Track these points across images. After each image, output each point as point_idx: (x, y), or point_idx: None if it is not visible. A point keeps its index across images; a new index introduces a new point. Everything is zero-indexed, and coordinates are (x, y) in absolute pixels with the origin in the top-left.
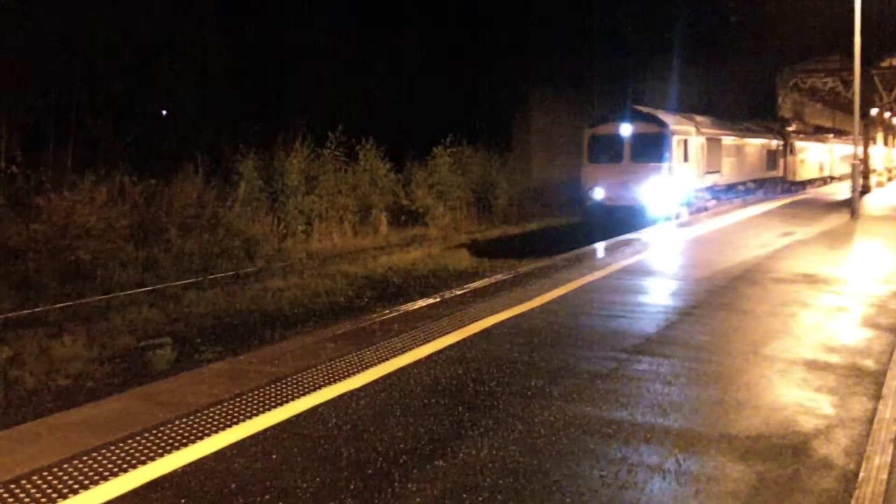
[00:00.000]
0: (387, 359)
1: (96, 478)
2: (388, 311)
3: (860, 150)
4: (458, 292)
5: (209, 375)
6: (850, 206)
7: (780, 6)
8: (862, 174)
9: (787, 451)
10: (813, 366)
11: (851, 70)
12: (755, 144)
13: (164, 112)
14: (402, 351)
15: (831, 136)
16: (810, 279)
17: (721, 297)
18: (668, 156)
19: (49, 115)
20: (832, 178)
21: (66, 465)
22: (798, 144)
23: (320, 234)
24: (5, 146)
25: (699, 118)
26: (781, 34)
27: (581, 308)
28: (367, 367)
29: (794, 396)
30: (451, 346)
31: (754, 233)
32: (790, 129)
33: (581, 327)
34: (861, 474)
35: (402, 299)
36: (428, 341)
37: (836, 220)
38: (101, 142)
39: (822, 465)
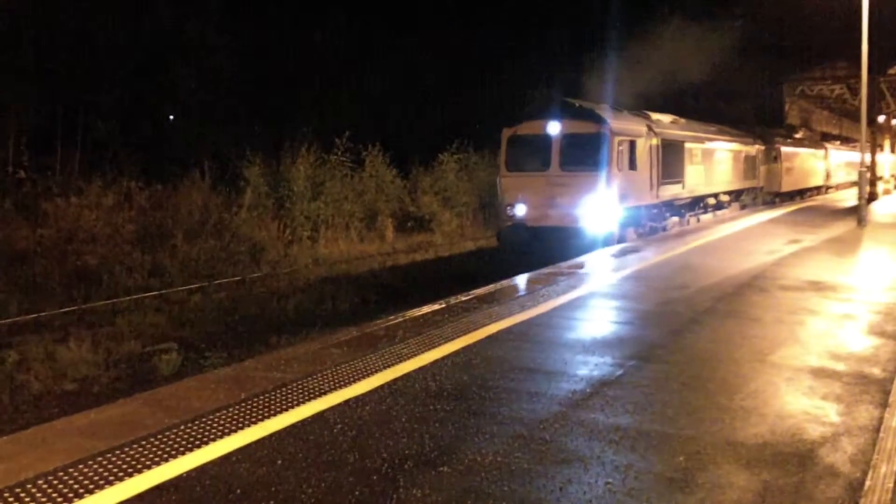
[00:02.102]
0: (392, 364)
1: (102, 482)
2: (393, 317)
3: (867, 157)
4: (464, 298)
5: (215, 381)
6: (856, 214)
7: (786, 13)
8: (869, 181)
9: (793, 460)
10: (820, 374)
11: (858, 77)
12: (730, 150)
13: (171, 117)
14: (408, 357)
15: (828, 142)
16: (817, 286)
17: (728, 307)
18: (607, 162)
19: (56, 119)
20: (828, 188)
21: (71, 470)
22: (785, 151)
23: (326, 240)
24: (13, 151)
25: (657, 116)
26: (788, 41)
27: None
28: (372, 373)
29: (801, 404)
30: (455, 353)
31: (750, 245)
32: (777, 133)
33: (581, 333)
34: (867, 483)
35: (408, 305)
36: (433, 347)
37: (843, 227)
38: (108, 146)
39: (828, 473)
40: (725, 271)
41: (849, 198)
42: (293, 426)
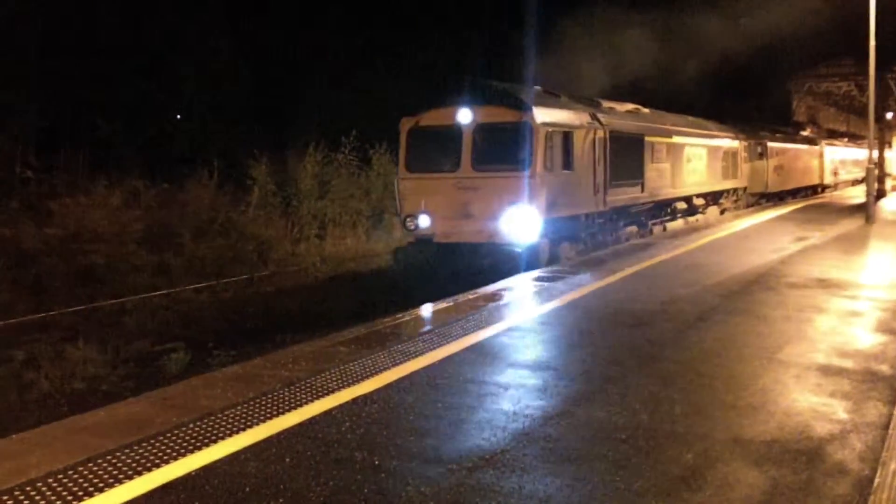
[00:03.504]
0: (400, 362)
1: (111, 480)
2: (401, 315)
3: (875, 153)
4: (472, 296)
5: (222, 379)
6: (864, 211)
7: (792, 9)
8: (877, 178)
9: (802, 457)
10: (827, 371)
11: (866, 74)
12: (705, 145)
13: (178, 116)
14: (416, 354)
15: (834, 138)
16: (825, 284)
17: (736, 302)
18: (531, 159)
19: (62, 118)
20: (824, 188)
21: (80, 468)
22: (772, 146)
23: (334, 239)
24: (20, 150)
25: (610, 105)
26: (795, 38)
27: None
28: (380, 371)
29: (809, 401)
30: (464, 350)
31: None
32: (762, 128)
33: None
34: (876, 480)
35: (415, 303)
36: (441, 345)
37: (851, 224)
38: (114, 145)
39: (837, 470)
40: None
41: (855, 195)
42: (301, 424)
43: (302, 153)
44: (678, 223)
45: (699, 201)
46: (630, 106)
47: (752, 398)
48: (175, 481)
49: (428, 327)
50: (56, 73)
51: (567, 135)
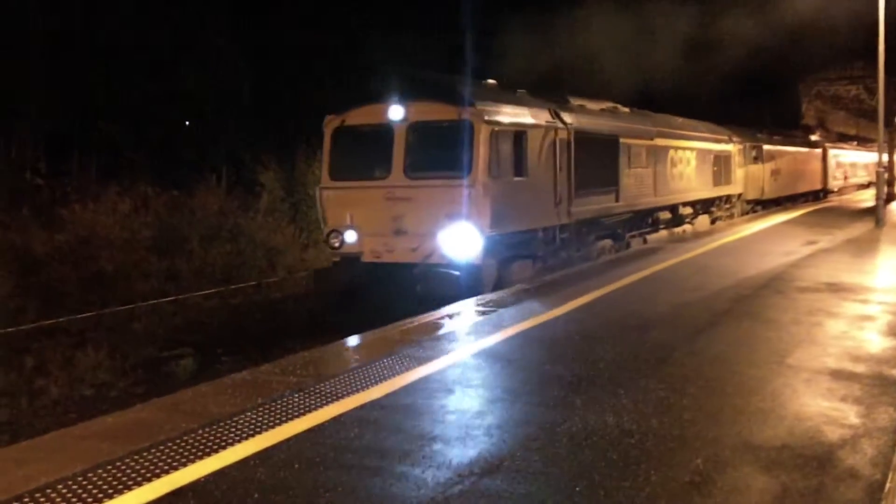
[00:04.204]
0: (409, 368)
1: (120, 487)
2: (409, 321)
3: (885, 157)
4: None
5: (231, 385)
6: (874, 214)
7: (802, 13)
8: (887, 182)
9: (813, 462)
10: (838, 375)
11: (875, 78)
12: (693, 148)
13: (187, 123)
14: (424, 360)
15: (843, 141)
16: (835, 288)
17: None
18: (472, 164)
19: (72, 124)
20: (827, 193)
21: (90, 475)
22: (769, 150)
23: None
24: (30, 157)
25: (580, 102)
26: (804, 41)
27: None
28: (389, 377)
29: (820, 406)
30: (472, 355)
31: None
32: (759, 129)
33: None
34: (888, 485)
35: (423, 308)
36: (449, 351)
37: (861, 228)
38: (123, 151)
39: (848, 475)
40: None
41: (864, 199)
42: (310, 430)
43: (311, 157)
44: (661, 235)
45: (686, 210)
46: (605, 104)
47: (762, 403)
48: (184, 487)
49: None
50: (64, 77)
51: (519, 135)
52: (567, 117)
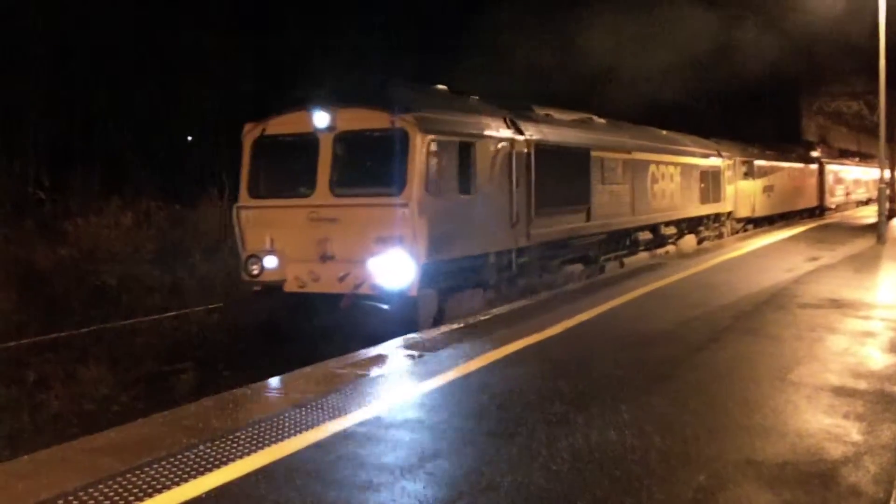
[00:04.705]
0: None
1: (122, 502)
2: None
3: (887, 173)
4: (483, 318)
5: (233, 400)
6: (876, 231)
7: (803, 28)
8: (888, 198)
9: (815, 479)
10: (840, 392)
11: (877, 93)
12: (677, 163)
13: (189, 138)
14: (428, 375)
15: (835, 157)
16: (837, 304)
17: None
18: (408, 179)
19: (74, 138)
20: (824, 210)
21: (91, 490)
22: (761, 165)
23: None
24: (33, 171)
25: (545, 111)
26: (805, 57)
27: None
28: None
29: (822, 423)
30: (474, 371)
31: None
32: (749, 144)
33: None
34: (891, 503)
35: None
36: (450, 367)
37: (862, 244)
38: (126, 165)
39: (851, 492)
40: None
41: (866, 216)
42: (313, 446)
43: None
44: (641, 257)
45: (669, 230)
46: (576, 114)
47: (764, 419)
48: (186, 503)
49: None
50: (68, 88)
51: (466, 147)
52: (527, 127)
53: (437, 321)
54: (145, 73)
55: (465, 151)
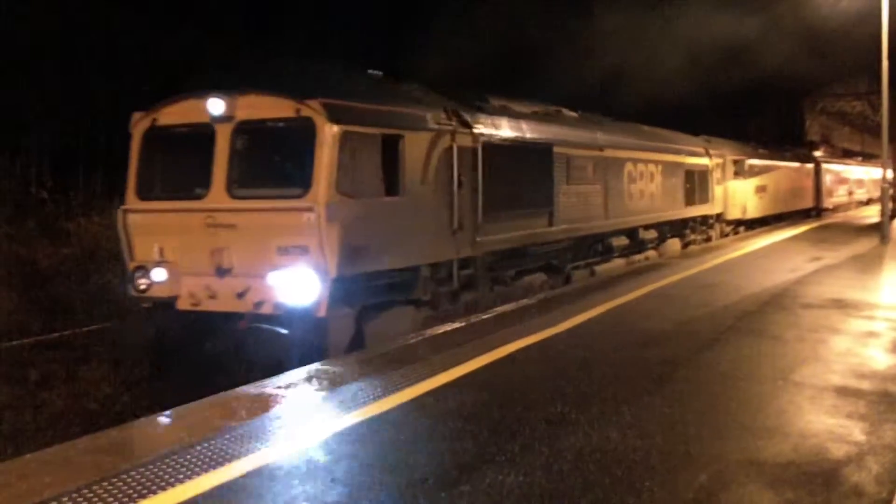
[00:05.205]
0: (412, 383)
1: (126, 500)
2: (412, 336)
3: (889, 173)
4: (484, 317)
5: (236, 399)
6: (879, 231)
7: (807, 29)
8: (892, 198)
9: (818, 479)
10: (843, 392)
11: (879, 93)
12: (658, 161)
13: None
14: (427, 375)
15: (849, 157)
16: (840, 304)
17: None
18: (315, 178)
19: (78, 139)
20: (821, 211)
21: (95, 487)
22: (753, 164)
23: None
24: (36, 171)
25: (500, 102)
26: (809, 58)
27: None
28: (392, 392)
29: (825, 423)
30: (476, 371)
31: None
32: (740, 142)
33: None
34: (894, 503)
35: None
36: (453, 365)
37: (866, 244)
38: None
39: (854, 492)
40: None
41: (869, 216)
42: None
43: None
44: (616, 264)
45: (649, 234)
46: (540, 106)
47: (766, 419)
48: (189, 500)
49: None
50: (68, 90)
51: (392, 141)
52: (476, 120)
53: (357, 345)
54: (145, 72)
55: (392, 146)
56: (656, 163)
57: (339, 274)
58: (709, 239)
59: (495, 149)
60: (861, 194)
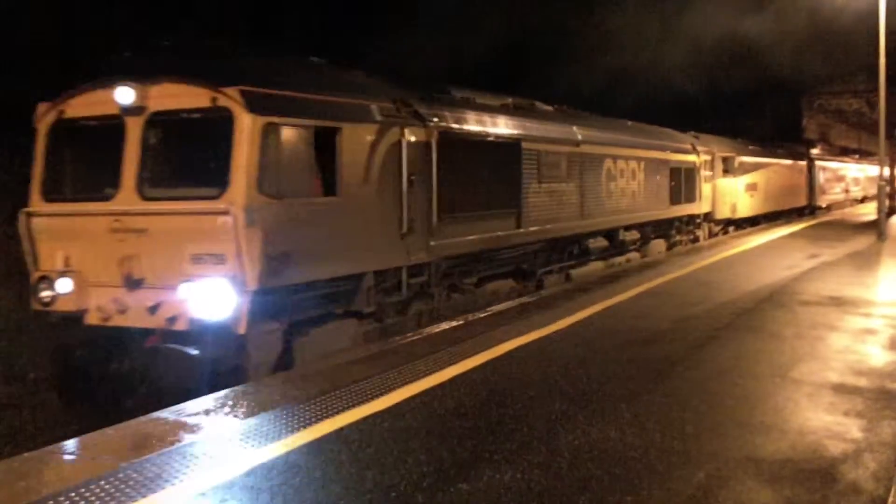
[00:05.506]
0: (411, 381)
1: (123, 498)
2: (411, 334)
3: (886, 171)
4: (482, 315)
5: (233, 398)
6: (876, 228)
7: (804, 26)
8: (888, 195)
9: (816, 476)
10: (841, 389)
11: (877, 91)
12: (640, 158)
13: None
14: (426, 373)
15: (847, 155)
16: (837, 301)
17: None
18: (231, 176)
19: None
20: (815, 209)
21: (93, 486)
22: (743, 161)
23: None
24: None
25: (462, 94)
26: (806, 55)
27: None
28: (391, 390)
29: (822, 420)
30: (474, 369)
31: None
32: (730, 139)
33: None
34: (890, 499)
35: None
36: (452, 363)
37: (863, 241)
38: None
39: (851, 490)
40: None
41: (867, 213)
42: (312, 442)
43: None
44: (594, 268)
45: (631, 235)
46: (510, 100)
47: (764, 416)
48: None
49: None
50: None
51: (326, 134)
52: (430, 111)
53: (285, 365)
54: None
55: (327, 140)
56: (638, 159)
57: (261, 285)
58: (696, 239)
59: (454, 144)
60: (856, 192)
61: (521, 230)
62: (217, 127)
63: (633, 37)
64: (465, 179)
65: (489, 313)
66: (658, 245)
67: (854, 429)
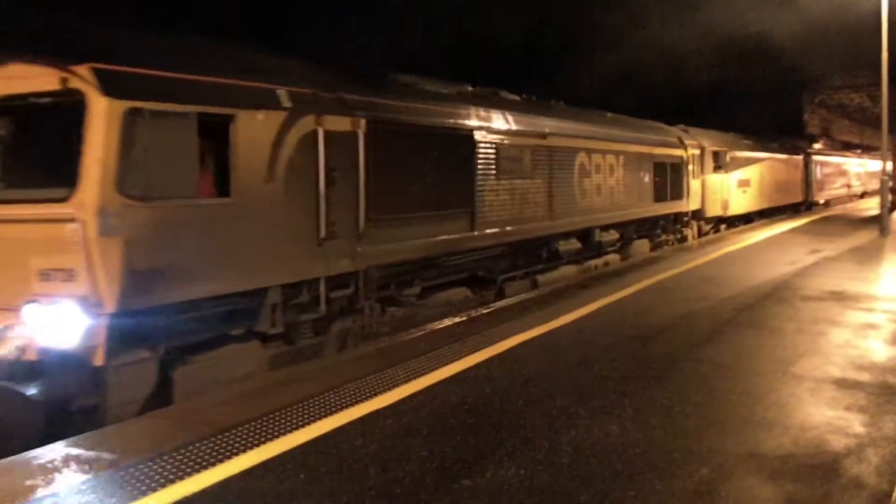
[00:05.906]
0: (413, 378)
1: (125, 497)
2: (414, 330)
3: (889, 165)
4: (485, 311)
5: (235, 395)
6: (878, 223)
7: (806, 21)
8: (891, 190)
9: (818, 471)
10: (842, 384)
11: (879, 86)
12: (620, 152)
13: None
14: (428, 370)
15: (848, 150)
16: (839, 296)
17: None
18: (84, 174)
19: None
20: (811, 205)
21: (93, 485)
22: (735, 156)
23: None
24: None
25: (406, 81)
26: (808, 50)
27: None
28: (393, 387)
29: (825, 415)
30: (476, 365)
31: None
32: (722, 133)
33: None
34: (894, 495)
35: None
36: (454, 360)
37: (865, 237)
38: None
39: (854, 485)
40: None
41: (869, 208)
42: (315, 440)
43: None
44: (566, 272)
45: (610, 236)
46: (467, 87)
47: (766, 412)
48: (189, 497)
49: None
50: None
51: (215, 123)
52: (359, 98)
53: (160, 401)
54: None
55: (217, 130)
56: (617, 153)
57: (122, 307)
58: (684, 239)
59: (389, 135)
60: (857, 187)
61: (476, 233)
62: (68, 114)
63: (634, 33)
64: (404, 176)
65: (493, 308)
66: (641, 246)
67: (856, 424)
